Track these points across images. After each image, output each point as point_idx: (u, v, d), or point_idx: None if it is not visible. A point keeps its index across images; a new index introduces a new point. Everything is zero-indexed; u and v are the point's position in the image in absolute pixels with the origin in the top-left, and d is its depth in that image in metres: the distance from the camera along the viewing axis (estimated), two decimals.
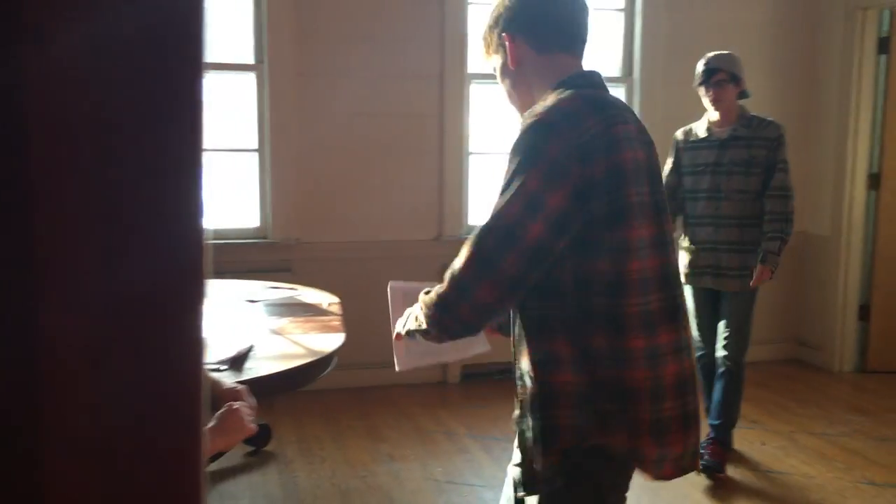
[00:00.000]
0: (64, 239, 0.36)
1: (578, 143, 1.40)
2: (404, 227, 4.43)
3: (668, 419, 1.49)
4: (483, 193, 4.61)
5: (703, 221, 3.41)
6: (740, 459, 3.62)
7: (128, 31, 0.37)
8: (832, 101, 4.92)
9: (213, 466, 3.38)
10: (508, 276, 1.41)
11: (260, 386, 2.16)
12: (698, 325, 3.56)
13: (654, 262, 1.49)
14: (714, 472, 3.37)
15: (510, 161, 1.45)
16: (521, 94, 1.63)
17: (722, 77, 3.30)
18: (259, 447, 3.60)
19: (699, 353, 3.60)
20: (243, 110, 4.29)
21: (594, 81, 1.56)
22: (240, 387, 1.94)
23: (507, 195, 1.41)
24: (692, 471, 1.62)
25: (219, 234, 4.23)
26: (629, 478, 1.60)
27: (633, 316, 1.45)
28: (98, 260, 0.37)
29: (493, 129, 4.67)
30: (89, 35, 0.36)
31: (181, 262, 0.38)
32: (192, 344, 0.39)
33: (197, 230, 0.38)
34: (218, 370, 2.14)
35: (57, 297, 0.36)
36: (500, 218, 1.41)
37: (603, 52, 4.80)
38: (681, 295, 1.57)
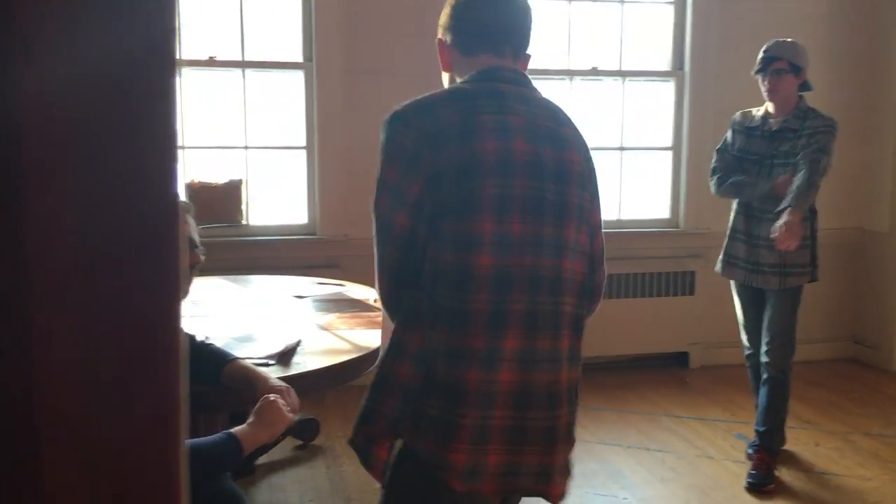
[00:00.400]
0: (51, 232, 0.39)
1: (430, 131, 1.41)
2: None
3: (493, 429, 1.41)
4: None
5: (745, 212, 3.31)
6: (793, 461, 3.55)
7: (106, 45, 0.39)
8: (892, 94, 4.78)
9: (263, 459, 3.43)
10: (389, 266, 1.47)
11: (307, 381, 2.19)
12: (743, 323, 3.48)
13: (517, 261, 1.42)
14: (761, 488, 3.24)
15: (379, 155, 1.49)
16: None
17: (781, 66, 3.16)
18: (307, 441, 3.64)
19: (746, 353, 3.52)
20: (292, 108, 4.34)
21: (492, 76, 1.52)
22: (284, 385, 1.97)
23: (377, 190, 1.46)
24: (540, 495, 1.53)
25: (268, 230, 4.29)
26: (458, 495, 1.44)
27: (478, 313, 1.40)
28: (81, 246, 0.40)
29: None
30: (73, 48, 0.39)
31: (155, 234, 0.40)
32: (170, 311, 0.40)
33: (170, 205, 0.41)
34: (266, 364, 2.17)
35: (46, 290, 0.38)
36: (375, 213, 1.47)
37: (651, 46, 4.73)
38: (559, 303, 1.47)
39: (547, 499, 1.54)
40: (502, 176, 1.41)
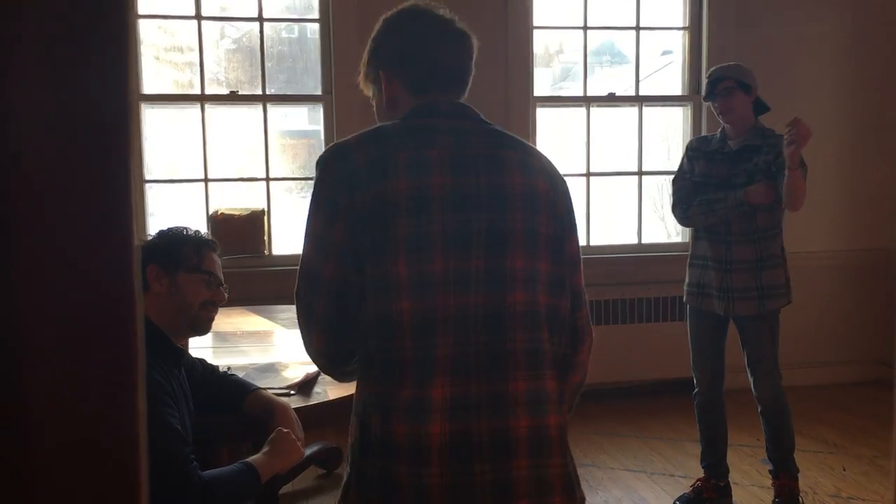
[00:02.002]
0: (32, 248, 0.42)
1: (343, 175, 1.34)
2: None
3: (430, 487, 1.28)
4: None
5: (710, 238, 3.17)
6: (820, 485, 3.50)
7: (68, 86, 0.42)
8: None
9: (286, 488, 3.44)
10: (325, 319, 1.37)
11: (328, 410, 2.21)
12: (697, 356, 3.30)
13: (441, 301, 1.31)
14: None
15: None
16: None
17: (729, 84, 3.09)
18: (330, 470, 3.65)
19: (694, 392, 3.35)
20: (313, 139, 4.40)
21: (424, 111, 1.44)
22: (287, 405, 2.02)
23: (305, 238, 1.39)
24: None
25: (290, 260, 4.34)
26: None
27: (403, 362, 1.30)
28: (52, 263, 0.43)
29: (558, 151, 4.68)
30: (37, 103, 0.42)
31: (114, 270, 0.43)
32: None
33: (127, 239, 0.44)
34: (287, 395, 2.20)
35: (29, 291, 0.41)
36: (303, 263, 1.40)
37: (665, 71, 4.76)
38: (502, 341, 1.33)
39: None
40: (417, 214, 1.32)
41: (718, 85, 3.12)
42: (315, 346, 1.42)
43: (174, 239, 2.00)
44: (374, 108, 1.59)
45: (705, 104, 3.24)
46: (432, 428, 1.29)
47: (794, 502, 3.23)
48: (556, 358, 1.39)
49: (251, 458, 1.91)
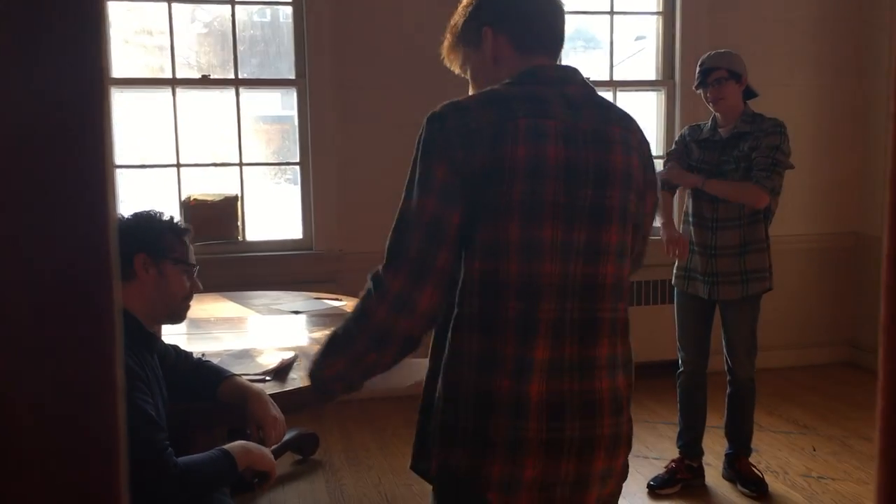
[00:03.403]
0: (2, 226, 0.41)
1: (464, 132, 1.35)
2: None
3: (527, 441, 1.36)
4: None
5: (698, 223, 3.25)
6: (791, 465, 3.56)
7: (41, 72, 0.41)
8: (881, 98, 4.82)
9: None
10: (445, 272, 1.36)
11: (304, 396, 2.20)
12: (683, 335, 3.36)
13: (547, 269, 1.36)
14: (761, 492, 3.27)
15: (414, 155, 1.41)
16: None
17: (721, 74, 3.15)
18: (307, 456, 3.65)
19: (678, 371, 3.40)
20: (286, 124, 4.37)
21: (535, 77, 1.45)
22: (262, 391, 2.00)
23: (417, 190, 1.36)
24: None
25: (264, 246, 4.31)
26: None
27: (507, 321, 1.35)
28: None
29: None
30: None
31: (90, 250, 0.42)
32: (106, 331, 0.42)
33: (105, 222, 0.43)
34: (263, 381, 2.18)
35: None
36: (413, 215, 1.36)
37: (639, 56, 4.77)
38: (594, 310, 1.42)
39: None
40: (532, 181, 1.35)
41: (710, 75, 3.19)
42: (424, 304, 1.36)
43: (155, 226, 1.96)
44: (469, 73, 1.57)
45: (696, 91, 3.29)
46: (532, 387, 1.36)
47: (760, 482, 3.30)
48: (625, 324, 1.50)
49: (228, 446, 1.90)
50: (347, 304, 3.21)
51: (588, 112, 1.44)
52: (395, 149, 4.38)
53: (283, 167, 4.44)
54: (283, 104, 4.38)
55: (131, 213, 2.00)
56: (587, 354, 1.41)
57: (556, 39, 1.53)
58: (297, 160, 4.34)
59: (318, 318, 2.96)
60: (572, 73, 1.50)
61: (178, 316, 2.01)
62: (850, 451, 3.69)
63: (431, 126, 1.39)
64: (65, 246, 0.41)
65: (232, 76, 4.24)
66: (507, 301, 1.35)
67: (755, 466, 3.36)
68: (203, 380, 2.07)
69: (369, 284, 1.41)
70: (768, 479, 3.37)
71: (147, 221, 1.96)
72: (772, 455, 3.66)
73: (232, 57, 4.23)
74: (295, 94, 4.30)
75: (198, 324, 2.84)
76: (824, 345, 5.01)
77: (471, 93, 1.55)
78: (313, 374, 1.51)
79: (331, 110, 4.27)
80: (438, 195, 1.34)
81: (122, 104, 4.19)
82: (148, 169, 4.30)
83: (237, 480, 1.93)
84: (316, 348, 2.53)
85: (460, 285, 1.38)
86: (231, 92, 4.25)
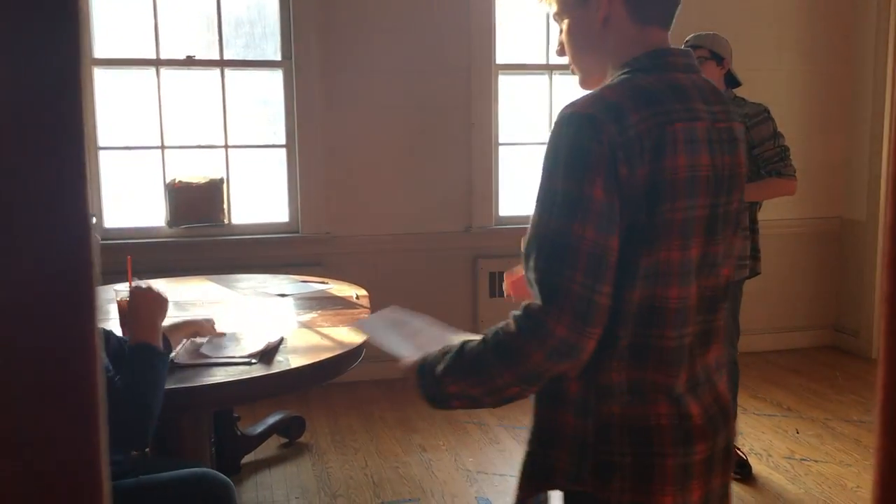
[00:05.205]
0: None
1: (621, 140, 1.16)
2: (434, 220, 4.45)
3: (694, 464, 1.29)
4: (512, 184, 4.61)
5: None
6: (774, 448, 3.59)
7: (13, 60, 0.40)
8: (867, 84, 4.83)
9: (249, 457, 3.43)
10: (605, 306, 1.18)
11: (291, 379, 2.20)
12: None
13: (694, 289, 1.26)
14: (743, 475, 3.30)
15: (546, 161, 1.21)
16: (589, 64, 1.35)
17: (702, 53, 3.12)
18: (293, 439, 3.65)
19: None
20: (272, 106, 4.33)
21: (662, 63, 1.28)
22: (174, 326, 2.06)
23: (567, 210, 1.17)
24: None
25: (250, 229, 4.28)
26: None
27: (664, 350, 1.25)
28: None
29: (521, 120, 4.67)
30: None
31: (68, 256, 0.41)
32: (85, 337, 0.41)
33: (83, 225, 0.42)
34: (249, 363, 2.17)
35: None
36: (546, 233, 1.18)
37: None
38: (713, 320, 1.33)
39: None
40: (689, 196, 1.21)
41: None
42: (590, 349, 1.19)
43: None
44: (567, 28, 1.34)
45: None
46: (692, 409, 1.28)
47: (744, 464, 3.33)
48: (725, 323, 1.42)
49: (129, 341, 1.90)
50: (334, 286, 3.21)
51: (717, 108, 1.30)
52: (381, 131, 4.36)
53: (269, 149, 4.40)
54: (269, 85, 4.34)
55: None
56: (708, 363, 1.34)
57: (673, 11, 1.35)
58: (284, 143, 4.31)
59: (305, 301, 2.95)
60: (693, 58, 1.33)
61: None
62: (833, 434, 3.73)
63: (580, 131, 1.17)
64: (42, 230, 0.40)
65: (217, 57, 4.20)
66: (663, 329, 1.24)
67: (739, 449, 3.39)
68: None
69: (521, 321, 1.19)
70: (752, 461, 3.40)
71: None
72: (755, 437, 3.69)
73: (217, 38, 4.18)
74: (281, 76, 4.27)
75: (182, 307, 2.83)
76: (808, 328, 5.05)
77: (567, 51, 1.36)
78: (429, 383, 1.31)
79: (317, 92, 4.24)
80: (599, 220, 1.16)
81: (104, 84, 4.15)
82: (132, 151, 4.25)
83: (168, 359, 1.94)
84: (303, 332, 2.52)
85: (617, 314, 1.22)
86: (216, 72, 4.21)
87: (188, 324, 2.33)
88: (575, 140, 1.17)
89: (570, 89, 4.71)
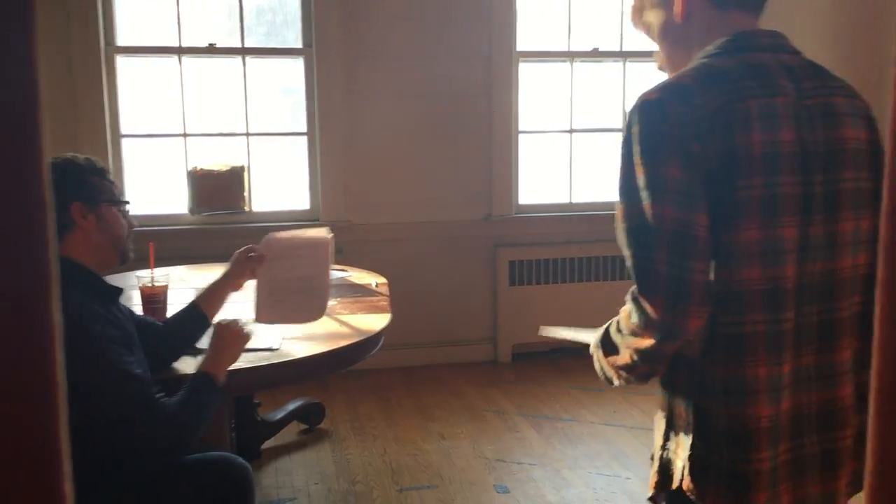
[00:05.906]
0: None
1: (694, 118, 1.18)
2: (454, 208, 4.44)
3: (781, 465, 1.25)
4: (533, 172, 4.59)
5: None
6: None
7: None
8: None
9: (269, 443, 3.46)
10: (704, 285, 1.18)
11: (310, 365, 2.21)
12: None
13: (788, 272, 1.22)
14: None
15: (621, 151, 1.23)
16: (680, 59, 1.34)
17: None
18: (313, 425, 3.67)
19: None
20: (293, 94, 4.34)
21: (748, 45, 1.28)
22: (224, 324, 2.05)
23: (649, 194, 1.18)
24: None
25: (270, 216, 4.30)
26: None
27: (755, 336, 1.21)
28: None
29: (542, 108, 4.64)
30: None
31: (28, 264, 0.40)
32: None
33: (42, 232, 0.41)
34: (270, 350, 2.19)
35: None
36: (656, 222, 1.18)
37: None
38: (832, 310, 1.27)
39: None
40: (769, 173, 1.19)
41: None
42: (694, 327, 1.19)
43: (79, 171, 1.93)
44: (657, 33, 1.37)
45: None
46: (784, 405, 1.24)
47: None
48: (866, 317, 1.31)
49: (199, 365, 1.92)
50: (353, 274, 3.22)
51: (810, 83, 1.27)
52: (402, 119, 4.36)
53: (288, 136, 4.42)
54: (291, 73, 4.35)
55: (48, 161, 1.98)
56: (826, 361, 1.27)
57: None
58: (305, 130, 4.32)
59: None
60: (783, 38, 1.33)
61: (126, 255, 2.02)
62: None
63: (650, 116, 1.20)
64: None
65: (238, 45, 4.22)
66: (752, 314, 1.21)
67: None
68: (189, 332, 2.18)
69: (629, 306, 1.24)
70: None
71: (70, 169, 1.90)
72: None
73: (239, 25, 4.20)
74: (302, 63, 4.27)
75: None
76: None
77: (662, 54, 1.39)
78: (598, 364, 1.37)
79: (338, 80, 4.24)
80: (677, 197, 1.17)
81: (128, 72, 4.17)
82: (154, 138, 4.28)
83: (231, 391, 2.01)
84: (322, 319, 2.54)
85: None
86: (238, 60, 4.23)
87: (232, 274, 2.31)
88: (644, 126, 1.19)
89: (591, 77, 4.68)
